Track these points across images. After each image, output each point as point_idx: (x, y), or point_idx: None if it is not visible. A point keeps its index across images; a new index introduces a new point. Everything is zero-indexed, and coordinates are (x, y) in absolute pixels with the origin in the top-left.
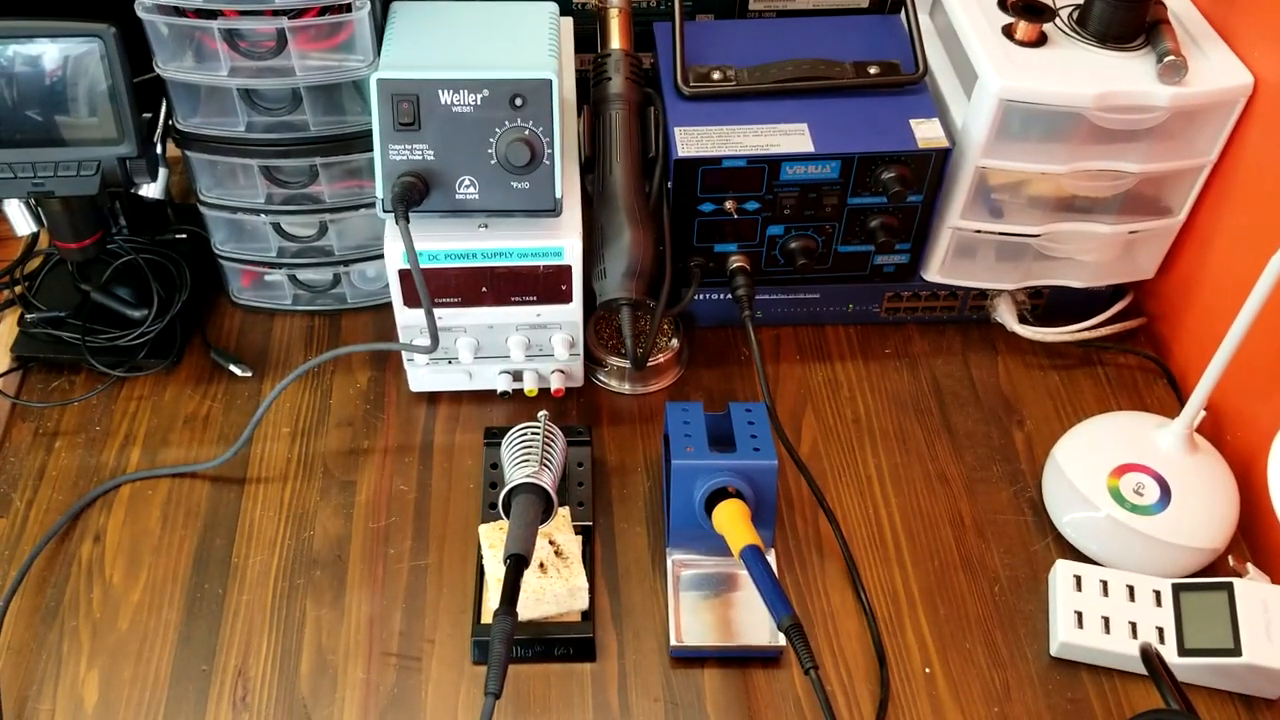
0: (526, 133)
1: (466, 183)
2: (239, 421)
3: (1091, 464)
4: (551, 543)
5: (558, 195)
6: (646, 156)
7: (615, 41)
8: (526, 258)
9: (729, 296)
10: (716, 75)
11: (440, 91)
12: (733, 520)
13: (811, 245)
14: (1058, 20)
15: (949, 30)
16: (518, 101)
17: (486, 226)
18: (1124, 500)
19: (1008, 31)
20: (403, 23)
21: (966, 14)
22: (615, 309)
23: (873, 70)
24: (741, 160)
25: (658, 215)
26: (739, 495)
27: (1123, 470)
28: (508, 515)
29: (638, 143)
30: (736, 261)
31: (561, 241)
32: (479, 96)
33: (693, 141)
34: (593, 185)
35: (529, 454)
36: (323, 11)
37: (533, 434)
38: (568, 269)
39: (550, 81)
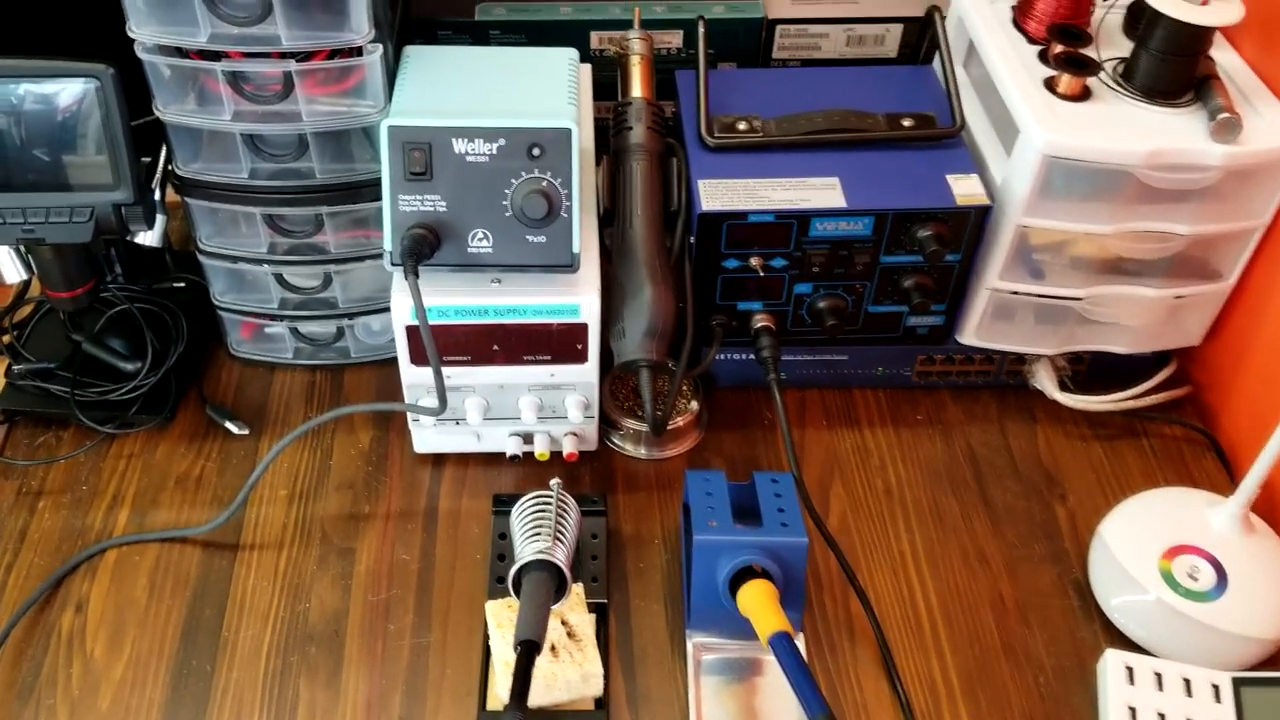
0: (544, 184)
1: (480, 236)
2: (234, 483)
3: (1141, 544)
4: (564, 623)
5: (575, 250)
6: (668, 210)
7: (636, 89)
8: (541, 315)
9: (752, 357)
10: (742, 126)
11: (454, 140)
12: (760, 603)
13: (841, 305)
14: (1102, 74)
15: (986, 82)
16: (535, 151)
17: (499, 282)
18: (1177, 585)
19: (1050, 85)
20: (415, 68)
21: (1006, 65)
22: (634, 370)
23: (906, 123)
24: (769, 215)
25: (679, 271)
26: (766, 575)
27: (1175, 552)
28: (518, 594)
29: (659, 195)
30: (761, 321)
31: (578, 298)
32: (494, 146)
33: (718, 195)
34: (611, 239)
35: (541, 526)
36: (332, 55)
37: (545, 504)
38: (584, 327)
39: (570, 131)
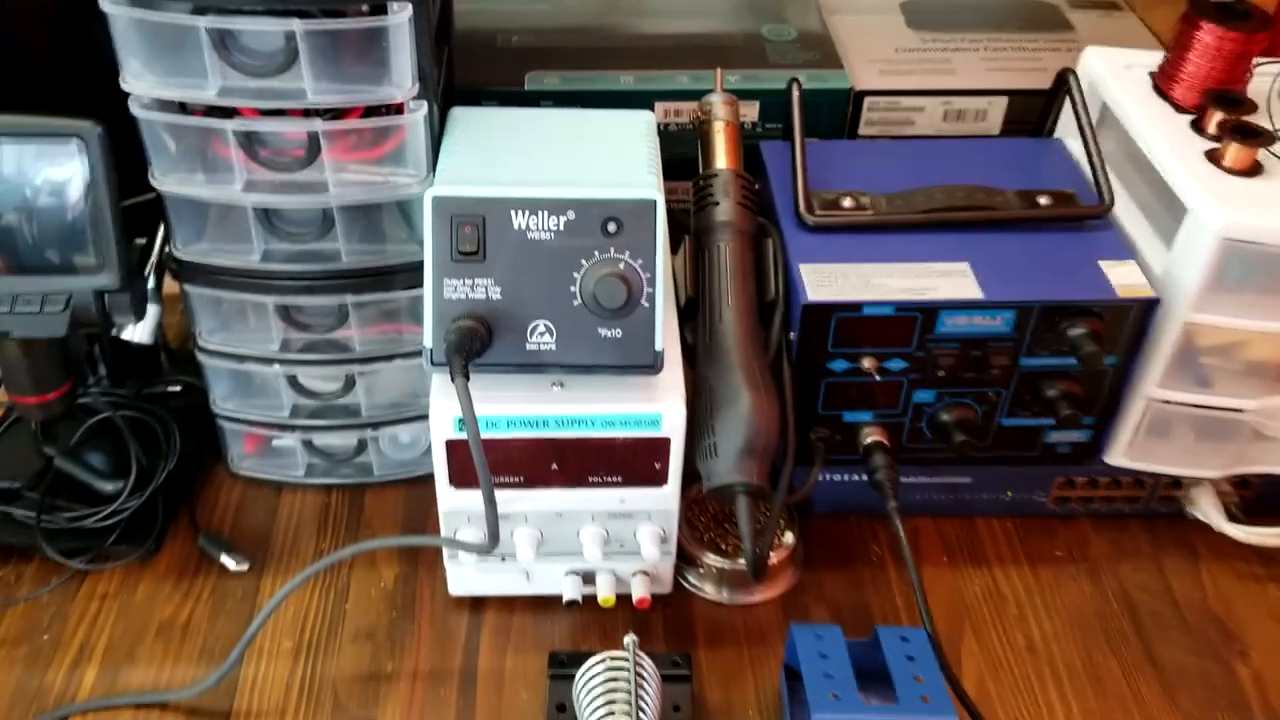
0: (622, 266)
1: (541, 329)
2: (229, 631)
3: None
4: None
5: (658, 347)
6: (764, 300)
7: (721, 160)
8: (613, 427)
9: (858, 478)
10: (848, 203)
11: (513, 213)
12: None
13: (970, 417)
14: (1277, 146)
15: (1127, 157)
16: (611, 227)
17: (562, 386)
18: None
19: (1213, 158)
20: (464, 131)
21: (1159, 135)
22: (729, 498)
23: (1043, 200)
24: (888, 308)
25: (777, 375)
26: None
27: None
28: None
29: (753, 283)
30: (873, 435)
31: (660, 406)
32: (562, 220)
33: (825, 282)
34: (695, 335)
35: (615, 700)
36: (366, 114)
37: (619, 670)
38: (665, 443)
39: (654, 202)
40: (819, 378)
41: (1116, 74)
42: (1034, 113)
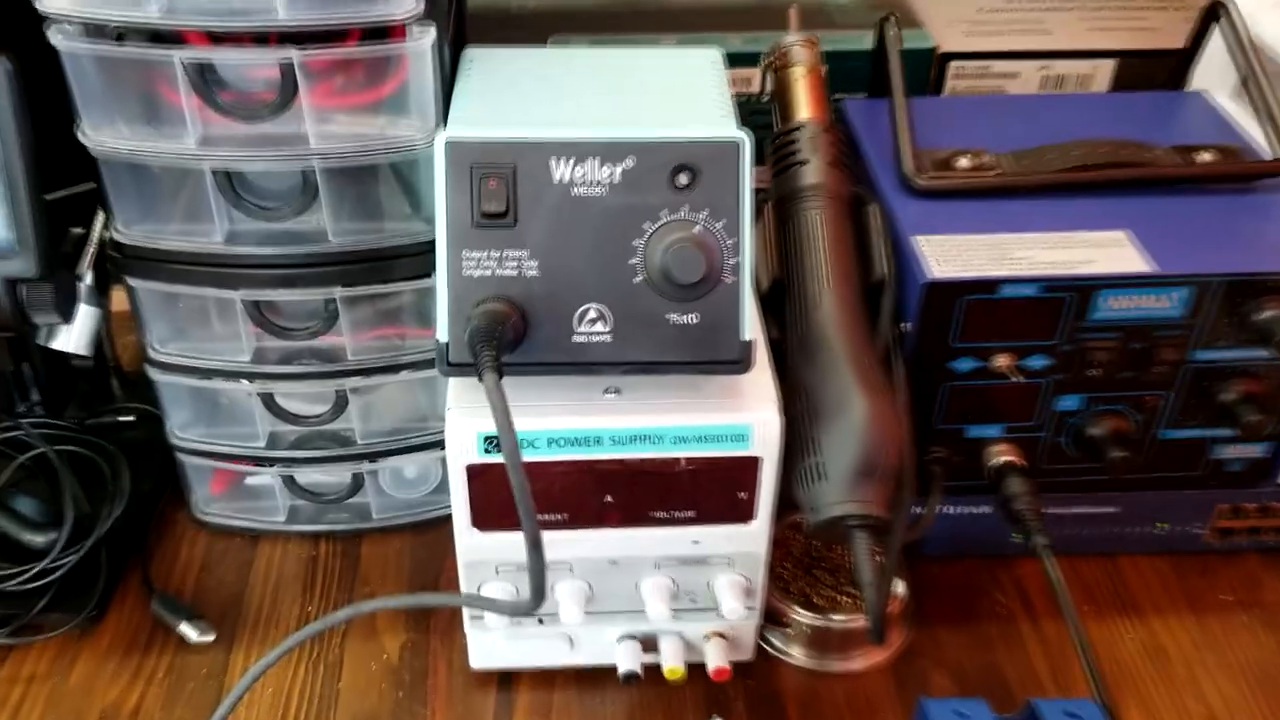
0: (698, 229)
1: (591, 316)
2: None
3: None
4: None
5: (745, 336)
6: (869, 282)
7: (804, 110)
8: (686, 445)
9: (980, 510)
10: (965, 162)
11: (553, 161)
12: None
13: (1125, 428)
14: None
15: None
16: (683, 179)
17: (619, 393)
18: None
19: None
20: (483, 72)
21: None
22: (841, 534)
23: (1205, 157)
24: (1032, 287)
25: (888, 373)
26: None
27: None
28: None
29: (855, 260)
30: (1003, 454)
31: (748, 416)
32: (618, 170)
33: (948, 257)
34: (783, 327)
35: None
36: (364, 37)
37: None
38: (753, 464)
39: (739, 144)
40: (938, 381)
41: (1270, 9)
42: (1147, 77)
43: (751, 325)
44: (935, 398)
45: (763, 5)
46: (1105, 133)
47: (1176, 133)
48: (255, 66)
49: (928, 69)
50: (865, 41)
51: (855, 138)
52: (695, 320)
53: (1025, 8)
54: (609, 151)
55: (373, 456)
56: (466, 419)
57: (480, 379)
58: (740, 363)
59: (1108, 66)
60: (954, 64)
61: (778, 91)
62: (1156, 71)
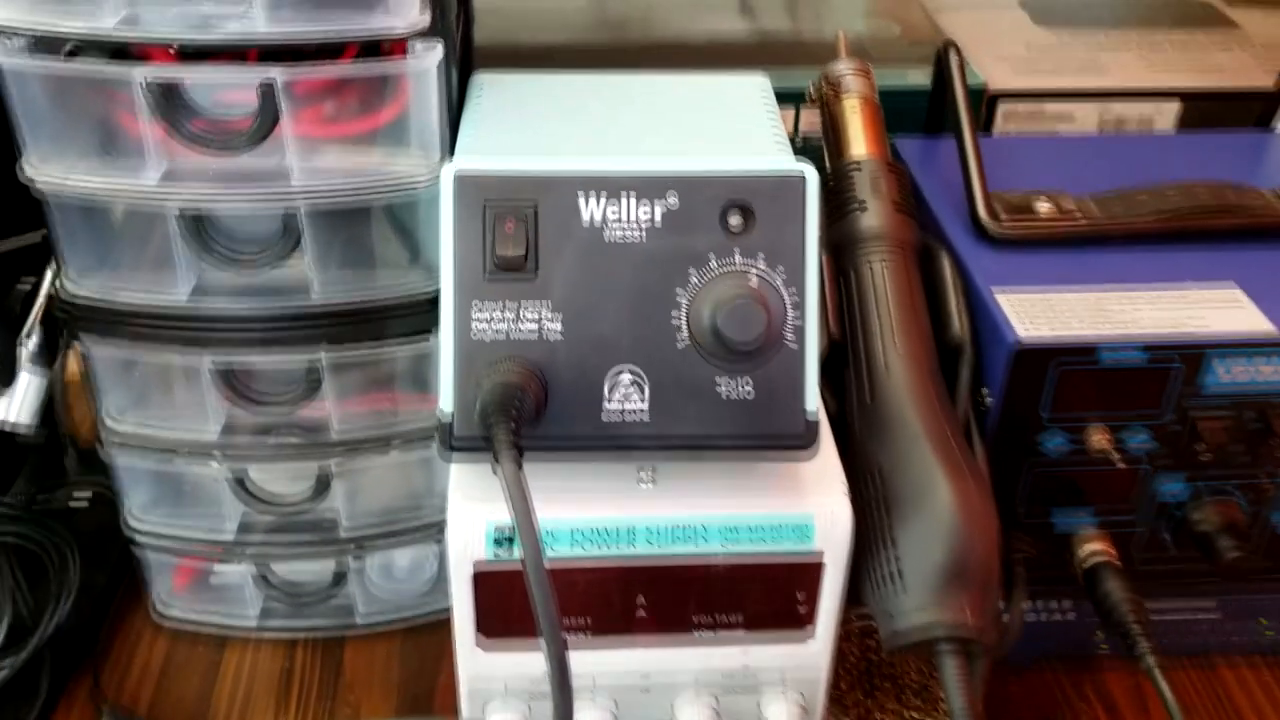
0: (754, 280)
1: (625, 384)
2: None
3: None
4: None
5: (810, 410)
6: (944, 343)
7: (860, 146)
8: (735, 541)
9: (1064, 616)
10: (1044, 206)
11: (581, 197)
12: None
13: (1236, 517)
14: None
15: None
16: (735, 221)
17: (653, 481)
18: None
19: None
20: (496, 98)
21: None
22: (928, 652)
23: None
24: (1136, 352)
25: (974, 453)
26: None
27: None
28: None
29: (927, 319)
30: (1095, 548)
31: (811, 505)
32: (659, 209)
33: (1036, 315)
34: (845, 395)
35: None
36: (358, 54)
37: None
38: (816, 566)
39: (803, 179)
40: (1023, 461)
41: None
42: (1215, 119)
43: (816, 396)
44: (1019, 481)
45: (792, 41)
46: (1189, 175)
47: (1265, 176)
48: (229, 88)
49: (976, 109)
50: (907, 78)
51: (913, 181)
52: (750, 391)
53: (1078, 45)
54: (648, 187)
55: (360, 546)
56: (473, 508)
57: (495, 465)
58: (802, 440)
59: (1172, 108)
60: (1004, 104)
61: (829, 126)
62: (1225, 113)
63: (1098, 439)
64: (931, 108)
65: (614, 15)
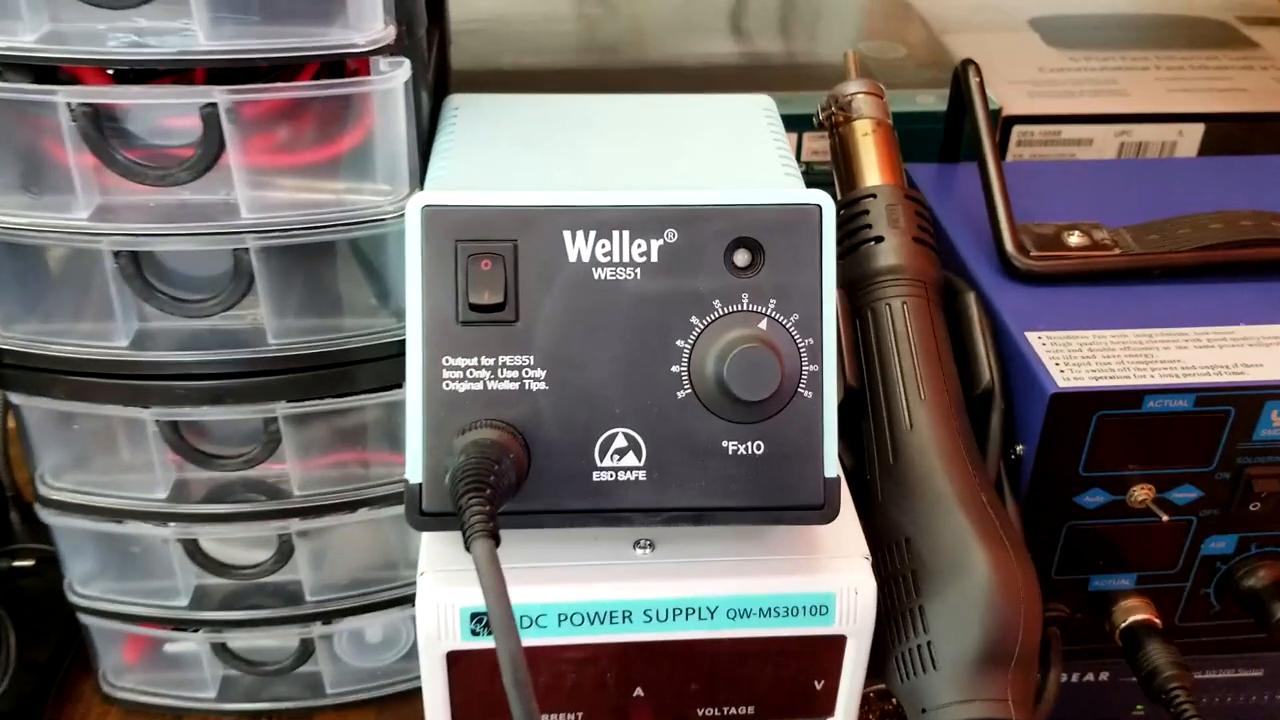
0: (764, 325)
1: (620, 444)
2: None
3: None
4: None
5: (829, 473)
6: (972, 392)
7: (873, 174)
8: (745, 621)
9: (1096, 675)
10: (1075, 239)
11: (567, 235)
12: None
13: None
14: None
15: None
16: (741, 258)
17: (651, 548)
18: None
19: None
20: (470, 123)
21: None
22: None
23: None
24: (1185, 398)
25: (1008, 516)
26: None
27: None
28: None
29: (953, 364)
30: (1136, 611)
31: (832, 580)
32: (655, 245)
33: (1075, 359)
34: (861, 451)
35: None
36: (320, 71)
37: None
38: (836, 646)
39: (819, 210)
40: (1059, 519)
41: None
42: (1241, 143)
43: (834, 459)
44: (1055, 541)
45: (791, 65)
46: (1221, 203)
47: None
48: (168, 113)
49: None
50: (915, 102)
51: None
52: (760, 450)
53: (1093, 67)
54: (644, 222)
55: (327, 616)
56: (446, 590)
57: (466, 545)
58: (823, 511)
59: (1195, 132)
60: (1018, 128)
61: (838, 152)
62: (1250, 136)
63: (1142, 494)
64: (948, 132)
65: (604, 38)
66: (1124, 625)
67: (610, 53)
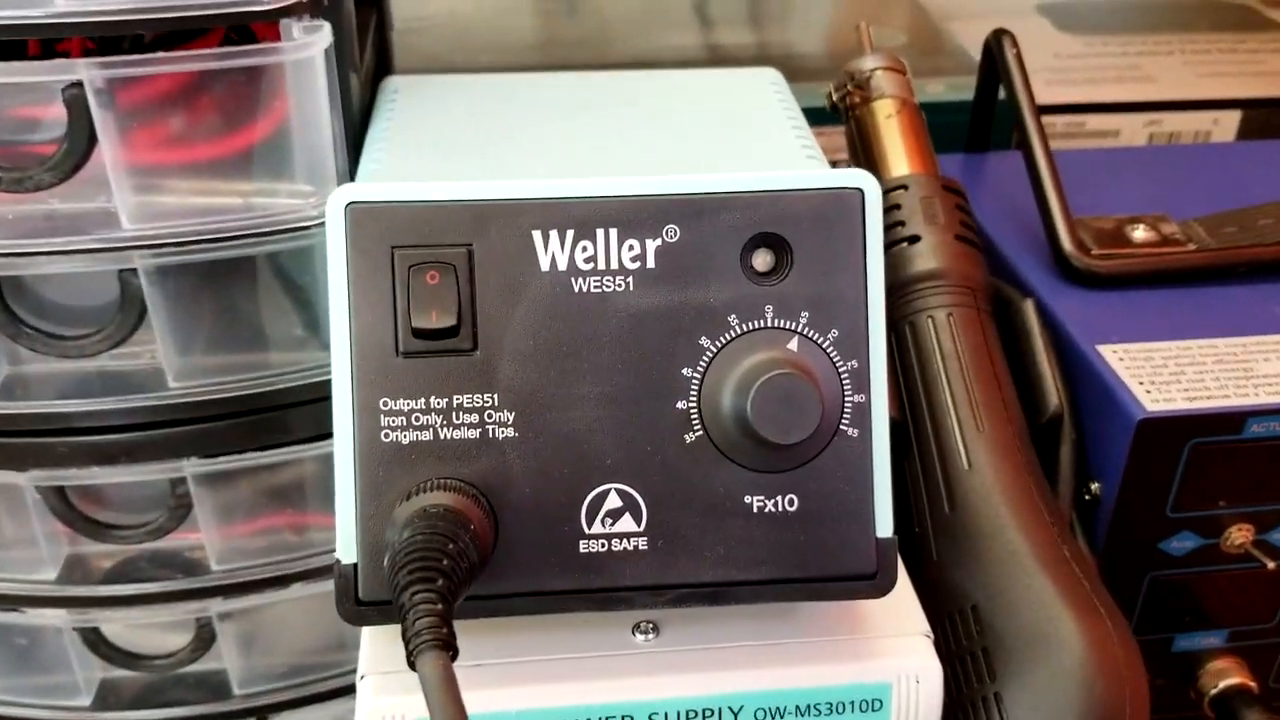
0: (794, 347)
1: (612, 505)
2: None
3: None
4: None
5: (882, 531)
6: (1036, 419)
7: (901, 162)
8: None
9: None
10: (1140, 233)
11: (537, 236)
12: None
13: None
14: None
15: None
16: (762, 261)
17: (656, 633)
18: None
19: None
20: (413, 105)
21: None
22: None
23: None
24: None
25: (1095, 573)
26: None
27: None
28: None
29: (1012, 388)
30: (1227, 675)
31: (886, 666)
32: (652, 246)
33: (1160, 377)
34: (913, 496)
35: None
36: (224, 42)
37: None
38: None
39: (861, 195)
40: (1141, 569)
41: None
42: (1275, 129)
43: (886, 515)
44: (1135, 595)
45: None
46: (1255, 192)
47: None
48: (23, 98)
49: (1006, 126)
50: (925, 91)
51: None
52: (793, 506)
53: (1113, 52)
54: (636, 216)
55: (260, 711)
56: (391, 700)
57: (410, 660)
58: (875, 577)
59: (1231, 118)
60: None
61: (857, 138)
62: None
63: (1237, 536)
64: (975, 118)
65: (567, 34)
66: (1214, 691)
67: (573, 49)
